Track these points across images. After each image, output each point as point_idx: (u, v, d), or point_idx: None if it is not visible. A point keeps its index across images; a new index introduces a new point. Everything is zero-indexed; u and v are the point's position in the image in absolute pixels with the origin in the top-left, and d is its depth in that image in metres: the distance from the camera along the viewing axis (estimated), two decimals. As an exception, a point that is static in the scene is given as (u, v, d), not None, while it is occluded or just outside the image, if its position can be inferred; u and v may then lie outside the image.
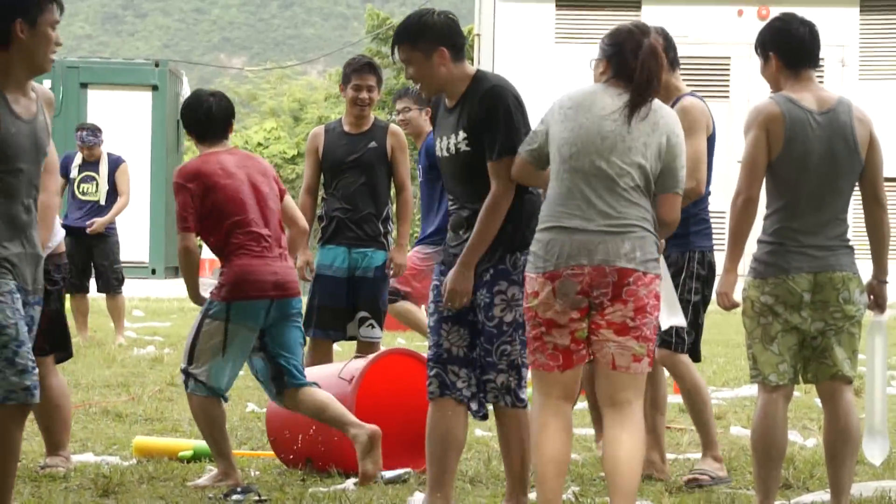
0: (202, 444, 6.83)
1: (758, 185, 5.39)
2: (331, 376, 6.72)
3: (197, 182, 6.28)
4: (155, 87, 23.63)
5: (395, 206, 8.26)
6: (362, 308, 7.98)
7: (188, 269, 6.40)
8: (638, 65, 5.10)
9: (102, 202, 12.61)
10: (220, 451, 6.22)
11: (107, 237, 12.65)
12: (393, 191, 8.15)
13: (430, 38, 5.43)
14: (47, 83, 23.26)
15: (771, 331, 5.36)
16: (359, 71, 7.94)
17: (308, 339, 7.99)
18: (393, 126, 8.10)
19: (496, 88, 5.42)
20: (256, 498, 5.93)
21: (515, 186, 5.35)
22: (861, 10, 22.89)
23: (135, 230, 21.67)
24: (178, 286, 22.86)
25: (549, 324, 5.04)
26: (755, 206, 5.39)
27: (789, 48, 5.44)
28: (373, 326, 7.99)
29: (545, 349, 5.06)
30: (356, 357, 6.99)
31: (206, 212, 6.31)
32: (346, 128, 8.01)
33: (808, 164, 5.34)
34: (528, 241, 5.24)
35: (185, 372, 6.40)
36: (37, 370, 4.78)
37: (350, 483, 6.21)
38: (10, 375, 4.68)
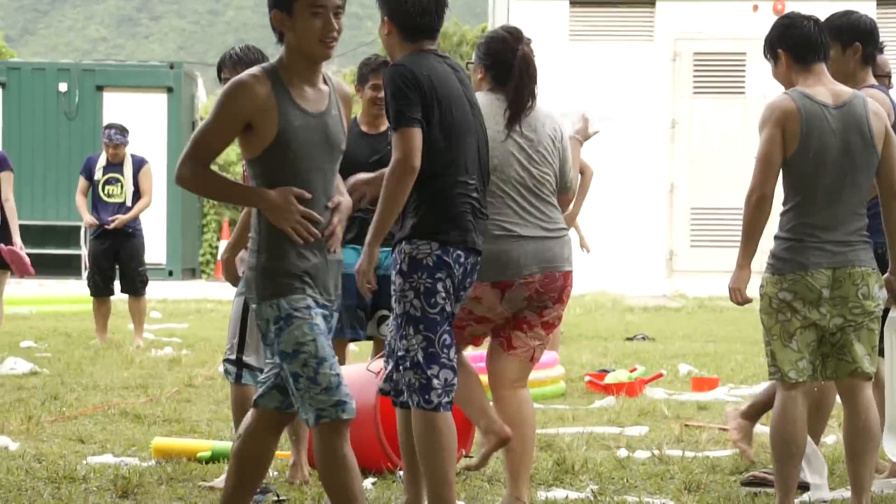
0: (220, 444, 6.83)
1: (772, 181, 5.37)
2: (358, 369, 6.74)
3: None
4: (170, 90, 23.68)
5: None
6: (383, 307, 7.99)
7: None
8: (515, 72, 5.34)
9: (129, 203, 12.63)
10: None
11: (133, 238, 12.66)
12: None
13: (381, 3, 5.18)
14: (63, 86, 23.35)
15: (790, 327, 5.34)
16: (376, 70, 7.95)
17: None
18: None
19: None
20: (275, 498, 5.93)
21: (414, 169, 5.03)
22: (878, 4, 22.81)
23: (152, 232, 21.77)
24: (195, 288, 22.91)
25: (480, 319, 5.43)
26: (769, 203, 5.38)
27: (797, 43, 5.43)
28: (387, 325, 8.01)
29: (461, 335, 5.45)
30: (382, 356, 6.96)
31: None
32: (364, 128, 8.01)
33: (824, 159, 5.33)
34: (425, 231, 5.07)
35: (234, 362, 6.12)
36: (344, 384, 4.51)
37: (369, 482, 6.21)
38: (315, 394, 4.48)
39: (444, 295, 5.08)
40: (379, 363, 6.63)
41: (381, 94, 7.94)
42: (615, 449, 7.14)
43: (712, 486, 6.21)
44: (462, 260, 5.11)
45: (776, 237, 5.43)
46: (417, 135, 5.02)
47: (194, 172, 4.55)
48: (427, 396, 5.10)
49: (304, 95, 4.57)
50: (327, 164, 4.63)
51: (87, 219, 12.62)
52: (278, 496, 5.94)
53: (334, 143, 4.63)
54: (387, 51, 5.34)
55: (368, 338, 8.12)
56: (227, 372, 6.19)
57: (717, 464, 6.74)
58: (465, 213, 5.10)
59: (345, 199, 4.69)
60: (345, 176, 7.98)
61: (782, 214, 5.42)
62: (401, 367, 5.17)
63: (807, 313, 5.32)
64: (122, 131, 12.72)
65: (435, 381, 5.09)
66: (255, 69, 4.57)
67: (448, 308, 5.11)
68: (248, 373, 6.10)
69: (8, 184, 11.66)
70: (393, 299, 5.21)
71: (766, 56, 5.54)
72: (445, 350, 5.10)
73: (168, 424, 8.05)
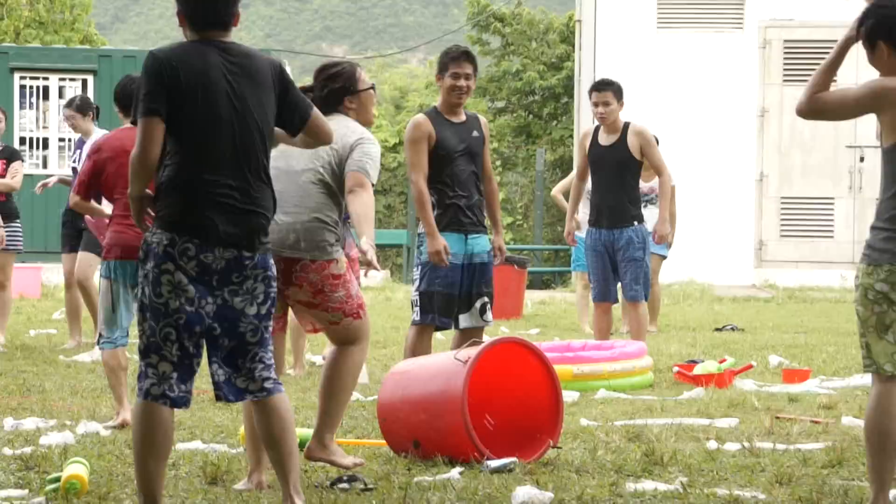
0: (307, 431, 6.86)
1: (830, 104, 5.24)
2: (447, 358, 6.74)
3: None
4: (258, 77, 23.76)
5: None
6: (484, 293, 8.08)
7: None
8: None
9: None
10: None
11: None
12: None
13: None
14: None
15: (886, 319, 5.25)
16: (457, 59, 8.00)
17: (417, 325, 8.03)
18: (481, 116, 8.25)
19: None
20: (363, 486, 5.93)
21: (147, 161, 5.05)
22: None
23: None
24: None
25: None
26: (820, 103, 5.25)
27: None
28: (489, 310, 8.13)
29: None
30: (474, 343, 6.95)
31: None
32: (448, 116, 8.07)
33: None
34: (160, 221, 5.01)
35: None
36: None
37: (455, 472, 6.20)
38: None
39: (169, 288, 4.98)
40: (467, 352, 6.62)
41: (461, 83, 7.98)
42: (705, 441, 7.07)
43: (804, 480, 6.12)
44: (192, 253, 4.99)
45: (873, 227, 5.32)
46: (153, 124, 4.96)
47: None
48: (141, 384, 5.06)
49: None
50: None
51: None
52: (366, 484, 5.94)
53: None
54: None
55: (461, 327, 8.12)
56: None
57: (809, 457, 6.65)
58: (202, 206, 4.98)
59: None
60: (442, 164, 8.04)
61: (881, 203, 5.31)
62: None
63: (904, 305, 5.22)
64: None
65: (150, 371, 5.03)
66: None
67: (177, 303, 4.99)
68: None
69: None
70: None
71: (863, 43, 5.41)
72: (168, 343, 5.01)
73: (256, 411, 8.08)
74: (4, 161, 11.76)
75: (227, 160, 5.03)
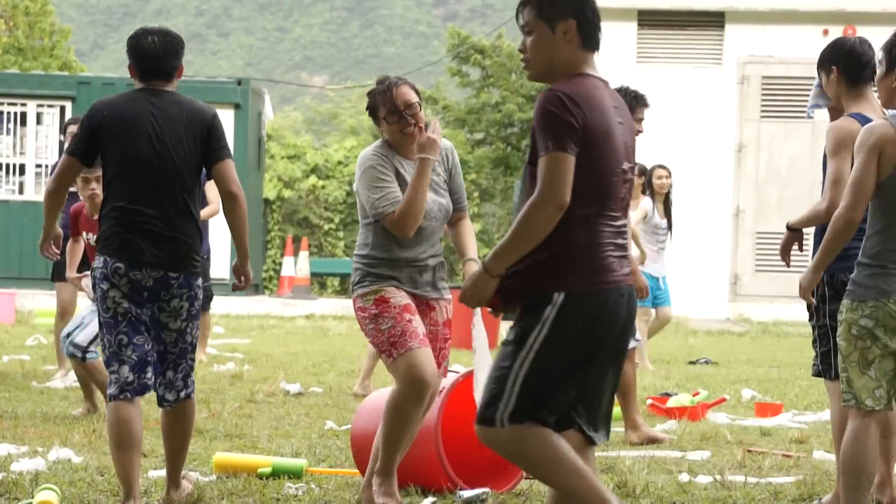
0: (281, 460, 6.85)
1: (863, 206, 5.29)
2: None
3: None
4: (237, 106, 23.80)
5: None
6: None
7: None
8: None
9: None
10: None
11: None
12: None
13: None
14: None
15: (869, 355, 5.27)
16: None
17: None
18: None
19: None
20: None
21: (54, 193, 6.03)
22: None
23: (216, 248, 21.91)
24: (258, 304, 22.99)
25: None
26: (856, 226, 5.31)
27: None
28: None
29: None
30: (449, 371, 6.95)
31: None
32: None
33: (917, 186, 5.25)
34: (99, 246, 5.84)
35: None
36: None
37: (428, 501, 6.20)
38: None
39: (111, 304, 5.77)
40: (443, 382, 6.63)
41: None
42: (677, 473, 7.09)
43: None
44: (123, 272, 5.76)
45: (858, 263, 5.34)
46: (69, 163, 5.86)
47: None
48: (109, 392, 5.79)
49: None
50: None
51: None
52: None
53: None
54: None
55: None
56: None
57: (780, 490, 6.67)
58: (129, 232, 5.75)
59: None
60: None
61: (866, 240, 5.34)
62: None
63: (888, 341, 5.25)
64: None
65: (114, 377, 5.77)
66: None
67: (119, 316, 5.77)
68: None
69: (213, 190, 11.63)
70: None
71: (879, 64, 5.46)
72: (123, 348, 5.76)
73: (229, 440, 8.08)
74: None
75: (148, 193, 5.78)
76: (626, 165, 4.39)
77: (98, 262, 5.81)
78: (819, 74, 6.13)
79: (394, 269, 5.99)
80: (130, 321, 5.76)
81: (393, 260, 5.99)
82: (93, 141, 5.84)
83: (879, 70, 5.45)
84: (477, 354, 5.85)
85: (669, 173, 13.42)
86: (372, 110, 6.14)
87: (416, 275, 6.03)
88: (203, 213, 12.57)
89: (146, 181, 5.78)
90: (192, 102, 5.96)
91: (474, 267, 5.96)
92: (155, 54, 5.94)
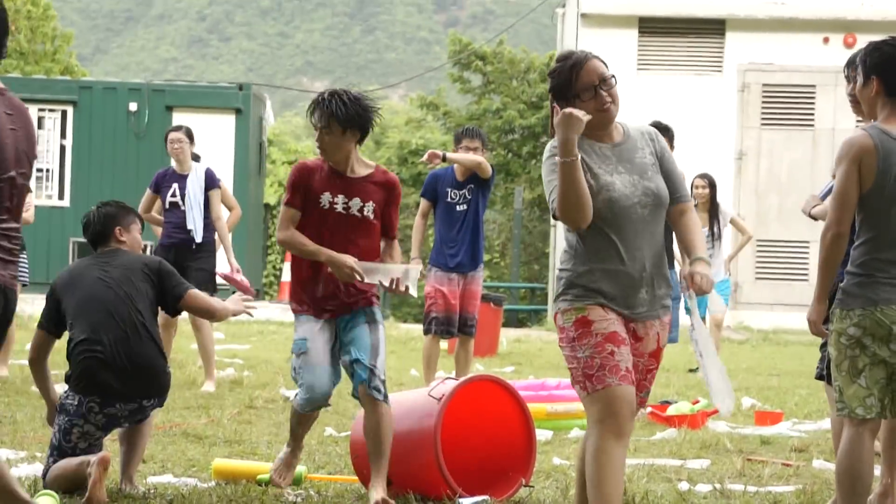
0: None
1: (848, 218, 5.30)
2: (421, 394, 6.74)
3: None
4: (238, 111, 23.81)
5: None
6: None
7: None
8: None
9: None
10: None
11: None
12: None
13: None
14: (133, 105, 23.57)
15: (858, 363, 5.28)
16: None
17: None
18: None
19: None
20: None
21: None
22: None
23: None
24: (258, 310, 22.95)
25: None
26: (846, 240, 5.31)
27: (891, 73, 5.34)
28: None
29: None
30: (447, 378, 6.96)
31: None
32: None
33: (899, 196, 5.25)
34: (72, 385, 6.53)
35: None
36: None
37: (427, 509, 6.19)
38: None
39: (78, 435, 6.41)
40: (440, 388, 6.63)
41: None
42: (676, 482, 7.08)
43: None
44: (97, 410, 6.41)
45: (846, 272, 5.36)
46: (41, 337, 6.63)
47: None
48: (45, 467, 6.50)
49: None
50: None
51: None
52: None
53: None
54: None
55: None
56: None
57: (780, 499, 6.67)
58: (96, 369, 6.37)
59: None
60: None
61: (854, 249, 5.35)
62: None
63: (876, 350, 5.25)
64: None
65: (51, 461, 6.43)
66: None
67: (84, 444, 6.42)
68: None
69: (217, 202, 11.52)
70: None
71: (857, 71, 5.43)
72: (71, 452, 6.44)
73: (228, 446, 8.07)
74: None
75: (105, 327, 6.39)
76: (14, 172, 4.80)
77: (70, 398, 6.41)
78: (849, 78, 5.98)
79: (602, 281, 5.13)
80: (91, 444, 6.42)
81: (605, 270, 5.14)
82: (57, 308, 6.57)
83: (859, 81, 5.42)
84: (704, 358, 5.40)
85: (707, 183, 13.52)
86: (559, 90, 5.25)
87: (630, 289, 5.15)
88: (229, 221, 12.26)
89: (102, 316, 6.46)
90: (136, 257, 6.76)
91: (703, 267, 5.19)
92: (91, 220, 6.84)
